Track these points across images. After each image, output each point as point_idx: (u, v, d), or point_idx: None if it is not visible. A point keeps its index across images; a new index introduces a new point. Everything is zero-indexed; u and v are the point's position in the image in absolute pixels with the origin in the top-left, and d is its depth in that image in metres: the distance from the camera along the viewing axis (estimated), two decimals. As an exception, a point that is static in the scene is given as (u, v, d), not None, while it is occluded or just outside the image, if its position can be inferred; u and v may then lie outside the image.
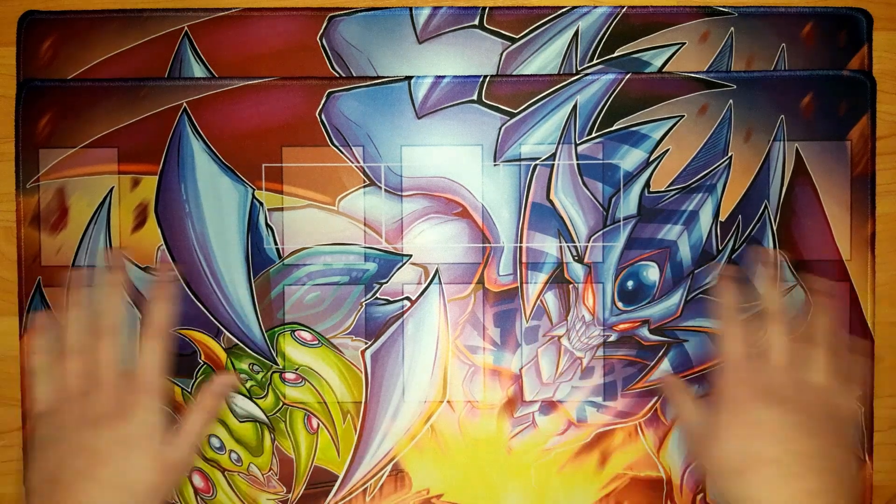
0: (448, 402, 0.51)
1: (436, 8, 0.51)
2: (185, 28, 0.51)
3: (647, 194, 0.51)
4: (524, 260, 0.51)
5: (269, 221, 0.51)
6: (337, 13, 0.51)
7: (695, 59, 0.51)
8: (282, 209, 0.51)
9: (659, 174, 0.51)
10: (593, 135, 0.51)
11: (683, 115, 0.51)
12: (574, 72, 0.51)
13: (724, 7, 0.51)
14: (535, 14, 0.51)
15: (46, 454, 0.43)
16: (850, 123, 0.50)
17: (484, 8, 0.51)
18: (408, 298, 0.51)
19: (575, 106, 0.51)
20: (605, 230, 0.51)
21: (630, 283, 0.51)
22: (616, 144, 0.51)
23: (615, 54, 0.51)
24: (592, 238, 0.51)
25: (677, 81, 0.50)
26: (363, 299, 0.51)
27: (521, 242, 0.51)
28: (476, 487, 0.52)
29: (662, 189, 0.51)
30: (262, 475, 0.52)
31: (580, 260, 0.51)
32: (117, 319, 0.46)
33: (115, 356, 0.45)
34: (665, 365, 0.51)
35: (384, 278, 0.51)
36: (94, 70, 0.51)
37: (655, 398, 0.51)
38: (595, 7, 0.51)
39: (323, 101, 0.51)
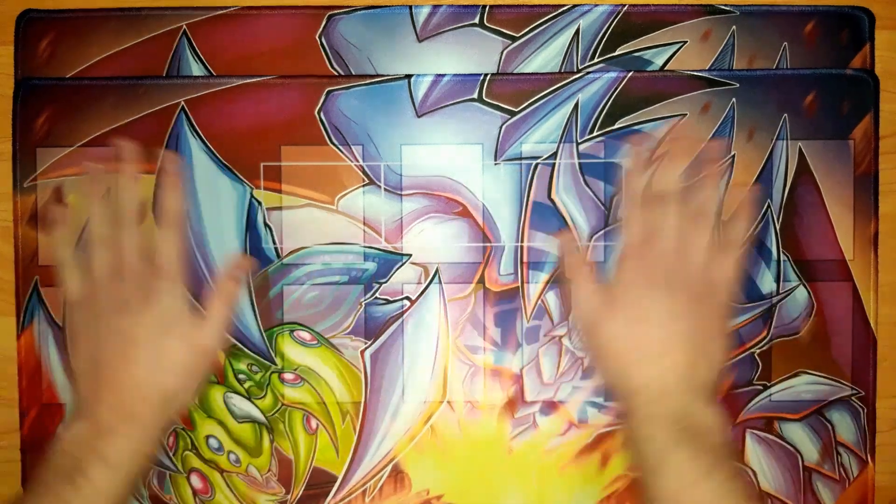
0: (448, 402, 0.51)
1: (436, 6, 0.51)
2: (184, 27, 0.51)
3: (648, 193, 0.51)
4: (525, 259, 0.51)
5: (267, 221, 0.51)
6: (336, 11, 0.51)
7: (696, 58, 0.51)
8: (280, 208, 0.51)
9: (661, 173, 0.50)
10: (595, 133, 0.50)
11: (686, 114, 0.50)
12: (575, 70, 0.51)
13: (725, 5, 0.50)
14: (535, 12, 0.51)
15: (85, 339, 0.46)
16: (853, 122, 0.50)
17: (484, 6, 0.51)
18: (408, 298, 0.51)
19: (576, 104, 0.50)
20: (606, 229, 0.51)
21: (631, 283, 0.51)
22: (618, 143, 0.50)
23: (616, 53, 0.51)
24: (594, 237, 0.51)
25: (679, 80, 0.50)
26: (363, 299, 0.51)
27: (521, 242, 0.51)
28: (476, 488, 0.51)
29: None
30: (261, 476, 0.51)
31: (581, 259, 0.51)
32: (136, 209, 0.48)
33: (136, 245, 0.47)
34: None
35: (384, 278, 0.51)
36: (92, 69, 0.51)
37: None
38: (596, 5, 0.50)
39: (322, 100, 0.50)
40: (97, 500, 0.42)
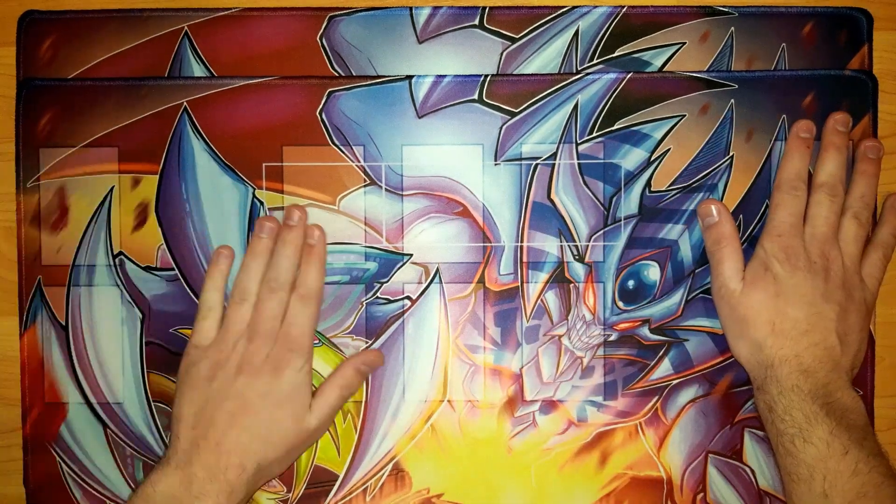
0: (448, 401, 0.51)
1: (436, 8, 0.51)
2: (185, 28, 0.51)
3: (648, 194, 0.51)
4: (525, 259, 0.51)
5: (269, 221, 0.51)
6: (337, 13, 0.51)
7: (695, 59, 0.51)
8: (282, 208, 0.51)
9: (660, 174, 0.51)
10: (594, 134, 0.51)
11: (685, 115, 0.51)
12: (574, 71, 0.51)
13: (724, 7, 0.51)
14: (535, 14, 0.51)
15: (199, 389, 0.46)
16: (852, 123, 0.50)
17: (484, 8, 0.51)
18: (408, 298, 0.51)
19: (576, 105, 0.51)
20: (605, 229, 0.51)
21: (631, 283, 0.51)
22: (617, 144, 0.51)
23: (615, 54, 0.51)
24: (593, 237, 0.51)
25: (678, 81, 0.50)
26: (364, 298, 0.51)
27: (521, 242, 0.51)
28: (476, 487, 0.52)
29: (663, 188, 0.51)
30: (263, 475, 0.52)
31: (581, 259, 0.51)
32: (290, 278, 0.48)
33: (279, 313, 0.47)
34: (665, 364, 0.51)
35: (385, 277, 0.51)
36: (95, 70, 0.51)
37: (656, 397, 0.51)
38: (595, 7, 0.51)
39: (323, 101, 0.51)
40: None
